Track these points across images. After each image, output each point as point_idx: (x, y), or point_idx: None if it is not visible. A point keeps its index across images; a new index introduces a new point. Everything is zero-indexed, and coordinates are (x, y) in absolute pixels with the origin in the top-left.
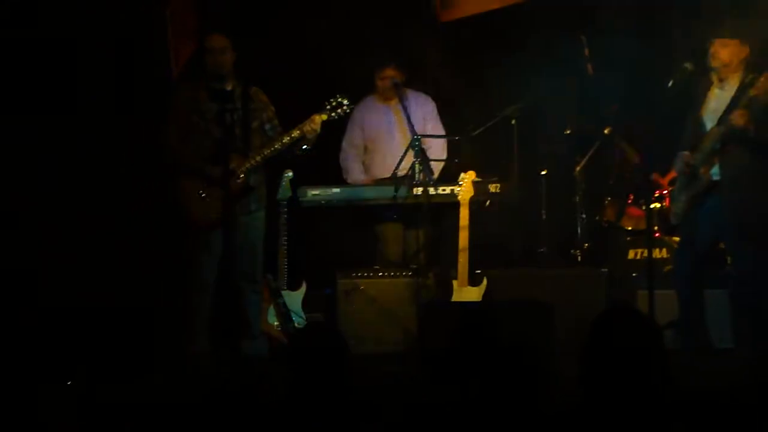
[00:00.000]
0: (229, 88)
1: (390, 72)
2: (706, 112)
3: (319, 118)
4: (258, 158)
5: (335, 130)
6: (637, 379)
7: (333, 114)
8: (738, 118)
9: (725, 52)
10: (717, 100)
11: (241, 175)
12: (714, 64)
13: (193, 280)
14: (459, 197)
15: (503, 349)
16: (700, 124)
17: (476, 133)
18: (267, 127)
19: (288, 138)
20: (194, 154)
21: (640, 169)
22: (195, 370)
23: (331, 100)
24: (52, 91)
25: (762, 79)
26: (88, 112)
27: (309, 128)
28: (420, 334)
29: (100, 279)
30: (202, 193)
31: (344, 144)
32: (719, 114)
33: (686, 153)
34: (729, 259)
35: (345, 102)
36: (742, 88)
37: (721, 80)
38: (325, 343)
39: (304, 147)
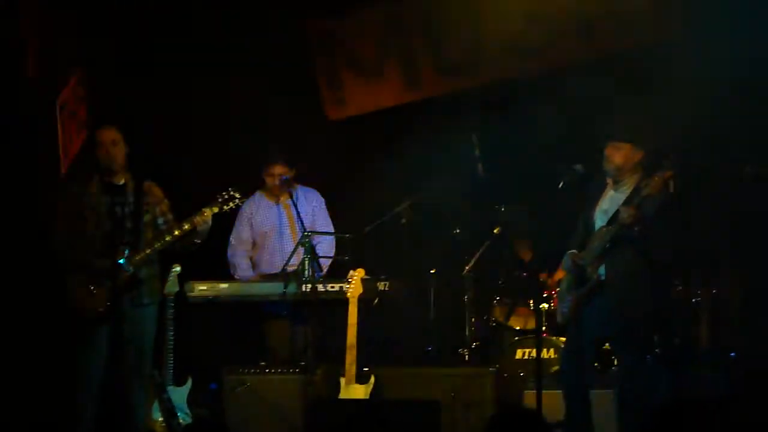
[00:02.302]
0: (121, 181)
1: (279, 169)
2: (597, 213)
3: (210, 211)
4: (148, 251)
5: (224, 225)
6: None
7: (224, 207)
8: (627, 217)
9: (618, 155)
10: (610, 201)
11: (131, 269)
12: (607, 166)
13: (79, 377)
14: (348, 294)
15: None
16: (591, 224)
17: (366, 230)
18: (160, 221)
19: (179, 231)
20: (85, 248)
21: (531, 266)
22: None
23: (223, 193)
24: None
25: (656, 178)
26: None
27: (200, 221)
28: (307, 431)
29: None
30: (91, 287)
31: (232, 240)
32: (610, 215)
33: (574, 252)
34: (615, 359)
35: (237, 195)
36: (637, 190)
37: (616, 182)
38: None
39: (195, 241)
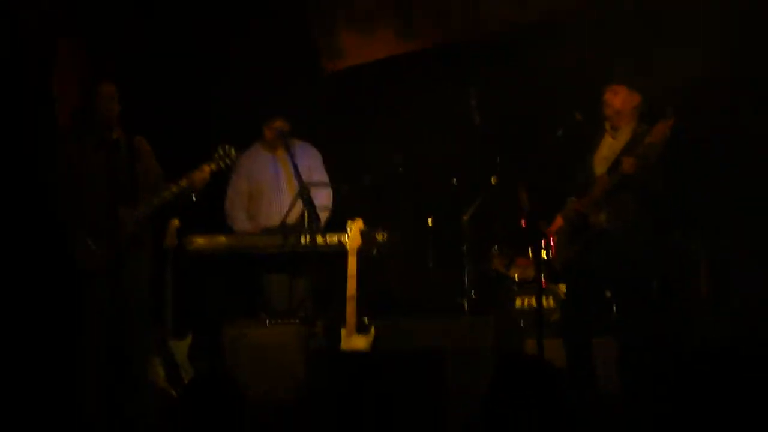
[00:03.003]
0: (115, 137)
1: (278, 123)
2: (596, 160)
3: (208, 168)
4: (146, 208)
5: (221, 178)
6: (539, 425)
7: (221, 163)
8: (628, 167)
9: (617, 99)
10: (609, 148)
11: (129, 225)
12: (606, 111)
13: (81, 332)
14: (347, 246)
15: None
16: (590, 171)
17: (365, 181)
18: (150, 176)
19: (177, 188)
20: (83, 204)
21: (530, 215)
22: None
23: (219, 149)
24: None
25: (659, 126)
26: None
27: (198, 178)
28: (309, 382)
29: None
30: (89, 243)
31: (229, 192)
32: (609, 162)
33: (574, 199)
34: (615, 307)
35: (232, 151)
36: (635, 137)
37: (614, 129)
38: (222, 395)
39: (192, 196)
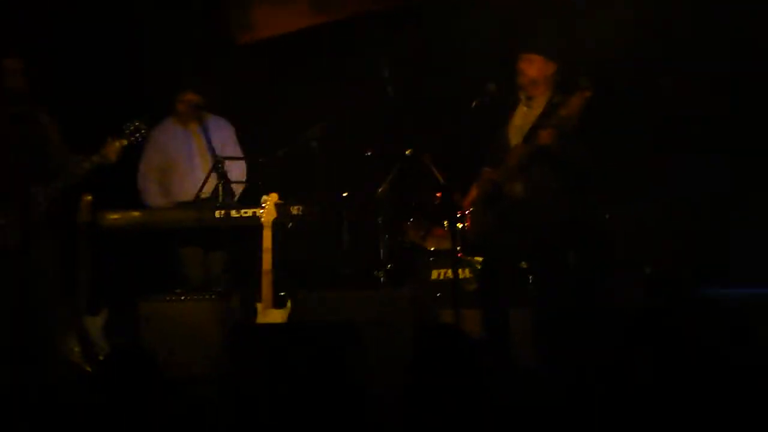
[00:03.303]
0: (23, 111)
1: (190, 96)
2: (510, 129)
3: (119, 143)
4: (58, 184)
5: (134, 153)
6: (458, 396)
7: (132, 138)
8: (545, 137)
9: (532, 68)
10: (523, 117)
11: (41, 201)
12: (520, 80)
13: None
14: (262, 219)
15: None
16: (504, 141)
17: (278, 154)
18: (54, 147)
19: (89, 163)
20: None
21: (445, 187)
22: None
23: (128, 124)
24: None
25: (573, 98)
26: None
27: (110, 152)
28: (228, 356)
29: None
30: (1, 220)
31: (142, 167)
32: (524, 132)
33: (489, 170)
34: (531, 278)
35: (143, 127)
36: (550, 107)
37: (528, 98)
38: (137, 368)
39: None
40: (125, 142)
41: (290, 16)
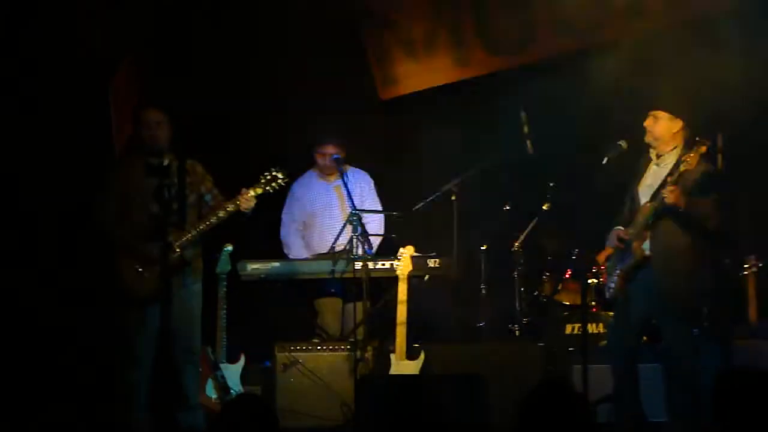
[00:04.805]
0: (165, 162)
1: (330, 148)
2: (641, 188)
3: (254, 192)
4: (194, 232)
5: (275, 204)
6: None
7: (267, 188)
8: (669, 195)
9: (657, 126)
10: (653, 176)
11: (178, 250)
12: (647, 138)
13: (128, 357)
14: (398, 272)
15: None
16: (635, 199)
17: (416, 208)
18: (207, 197)
19: (224, 212)
20: (132, 230)
21: (580, 243)
22: None
23: (266, 173)
24: None
25: (692, 154)
26: (30, 188)
27: (244, 202)
28: (356, 407)
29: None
30: (139, 269)
31: (284, 218)
32: (653, 190)
33: (620, 228)
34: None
35: (280, 175)
36: (677, 165)
37: (658, 156)
38: (254, 415)
39: (241, 219)
40: (259, 191)
41: (434, 72)
